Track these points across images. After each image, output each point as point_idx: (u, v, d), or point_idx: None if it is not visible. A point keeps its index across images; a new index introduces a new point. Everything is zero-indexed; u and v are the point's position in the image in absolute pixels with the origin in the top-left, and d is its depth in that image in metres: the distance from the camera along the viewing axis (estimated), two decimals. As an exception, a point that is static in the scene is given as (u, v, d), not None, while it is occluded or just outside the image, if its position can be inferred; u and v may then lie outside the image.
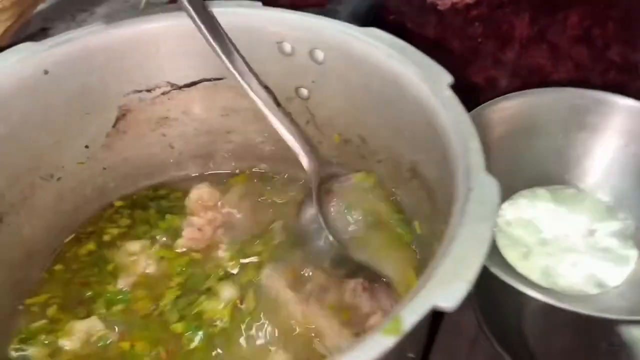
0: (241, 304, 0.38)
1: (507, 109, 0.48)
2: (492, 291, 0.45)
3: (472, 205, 0.26)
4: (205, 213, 0.45)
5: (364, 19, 0.47)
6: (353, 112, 0.41)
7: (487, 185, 0.27)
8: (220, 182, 0.48)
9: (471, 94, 0.56)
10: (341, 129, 0.43)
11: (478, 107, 0.46)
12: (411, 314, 0.22)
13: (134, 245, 0.43)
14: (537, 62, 0.55)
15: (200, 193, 0.46)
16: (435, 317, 0.45)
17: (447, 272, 0.24)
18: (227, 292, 0.39)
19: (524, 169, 0.50)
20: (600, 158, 0.50)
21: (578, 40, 0.54)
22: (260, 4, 0.40)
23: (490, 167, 0.28)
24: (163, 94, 0.43)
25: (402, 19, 0.54)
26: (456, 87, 0.33)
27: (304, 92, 0.42)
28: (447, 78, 0.34)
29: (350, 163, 0.44)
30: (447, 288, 0.23)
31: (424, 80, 0.34)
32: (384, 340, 0.22)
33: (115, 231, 0.44)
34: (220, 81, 0.43)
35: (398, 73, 0.35)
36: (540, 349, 0.44)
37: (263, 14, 0.40)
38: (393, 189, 0.41)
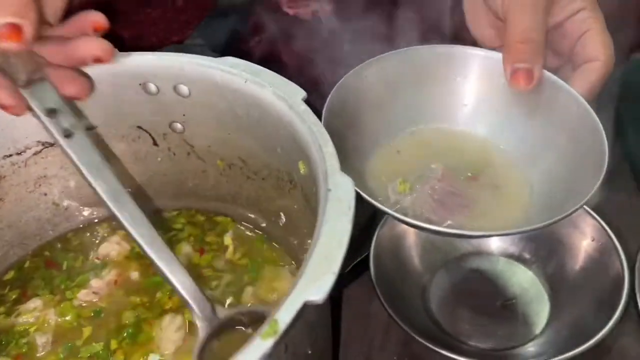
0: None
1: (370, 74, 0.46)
2: (393, 280, 0.49)
3: (331, 204, 0.29)
4: (109, 272, 0.46)
5: (223, 50, 0.49)
6: (228, 137, 0.43)
7: (342, 184, 0.30)
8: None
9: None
10: (222, 154, 0.45)
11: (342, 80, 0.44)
12: (285, 314, 0.24)
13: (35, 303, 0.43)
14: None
15: (108, 249, 0.47)
16: (335, 314, 0.48)
17: (314, 268, 0.26)
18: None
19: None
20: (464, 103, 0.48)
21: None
22: (116, 50, 0.41)
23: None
24: (35, 154, 0.43)
25: (269, 39, 0.57)
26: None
27: (178, 126, 0.44)
28: (301, 93, 0.36)
29: (239, 184, 0.46)
30: (315, 283, 0.26)
31: (280, 98, 0.36)
32: (262, 344, 0.23)
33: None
34: (94, 130, 0.44)
35: (257, 95, 0.38)
36: (449, 324, 0.48)
37: (121, 60, 0.41)
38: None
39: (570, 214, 0.37)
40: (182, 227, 0.48)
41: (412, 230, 0.51)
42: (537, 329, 0.47)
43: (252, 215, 0.47)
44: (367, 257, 0.48)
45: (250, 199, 0.46)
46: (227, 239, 0.47)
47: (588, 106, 0.41)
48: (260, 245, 0.46)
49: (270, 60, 0.52)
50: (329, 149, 0.32)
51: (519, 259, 0.52)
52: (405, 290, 0.50)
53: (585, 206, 0.49)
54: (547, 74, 0.43)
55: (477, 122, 0.48)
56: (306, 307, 0.25)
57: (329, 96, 0.42)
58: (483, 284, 0.51)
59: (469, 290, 0.51)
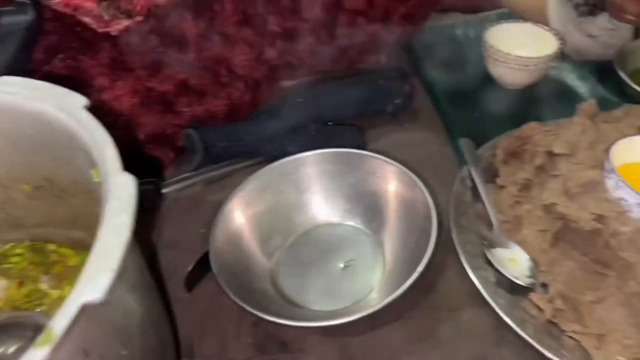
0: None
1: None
2: (238, 269, 0.50)
3: (112, 202, 0.30)
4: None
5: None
6: (26, 159, 0.41)
7: (123, 183, 0.31)
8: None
9: (163, 100, 0.60)
10: (25, 178, 0.43)
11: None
12: (61, 320, 0.24)
13: None
14: (217, 53, 0.61)
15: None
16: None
17: (92, 267, 0.27)
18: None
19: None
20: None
21: (241, 23, 0.61)
22: None
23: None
24: None
25: (73, 58, 0.55)
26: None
27: (-32, 158, 0.41)
28: (82, 100, 0.36)
29: (51, 206, 0.44)
30: (93, 282, 0.26)
31: (60, 109, 0.36)
32: (36, 353, 0.23)
33: None
34: None
35: (39, 111, 0.37)
36: (298, 296, 0.51)
37: None
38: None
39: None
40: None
41: (246, 224, 0.53)
42: (376, 279, 0.51)
43: (75, 234, 0.46)
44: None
45: (68, 219, 0.45)
46: (53, 268, 0.45)
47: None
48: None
49: (75, 78, 0.51)
50: (109, 150, 0.32)
51: (350, 220, 0.56)
52: (254, 277, 0.51)
53: (390, 160, 0.54)
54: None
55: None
56: (87, 309, 0.25)
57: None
58: (324, 252, 0.54)
59: (312, 261, 0.54)
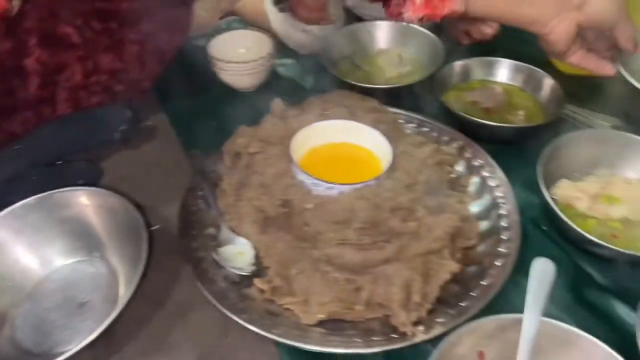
0: None
1: None
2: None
3: None
4: None
5: None
6: None
7: None
8: None
9: None
10: None
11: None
12: None
13: None
14: None
15: None
16: None
17: None
18: None
19: None
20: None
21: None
22: None
23: None
24: None
25: None
26: None
27: None
28: None
29: None
30: None
31: None
32: None
33: None
34: None
35: None
36: (43, 347, 0.51)
37: None
38: None
39: None
40: None
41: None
42: (117, 303, 0.53)
43: None
44: None
45: None
46: None
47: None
48: None
49: None
50: None
51: (76, 257, 0.57)
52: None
53: (90, 188, 0.58)
54: None
55: None
56: None
57: None
58: (60, 296, 0.55)
59: (50, 309, 0.54)
